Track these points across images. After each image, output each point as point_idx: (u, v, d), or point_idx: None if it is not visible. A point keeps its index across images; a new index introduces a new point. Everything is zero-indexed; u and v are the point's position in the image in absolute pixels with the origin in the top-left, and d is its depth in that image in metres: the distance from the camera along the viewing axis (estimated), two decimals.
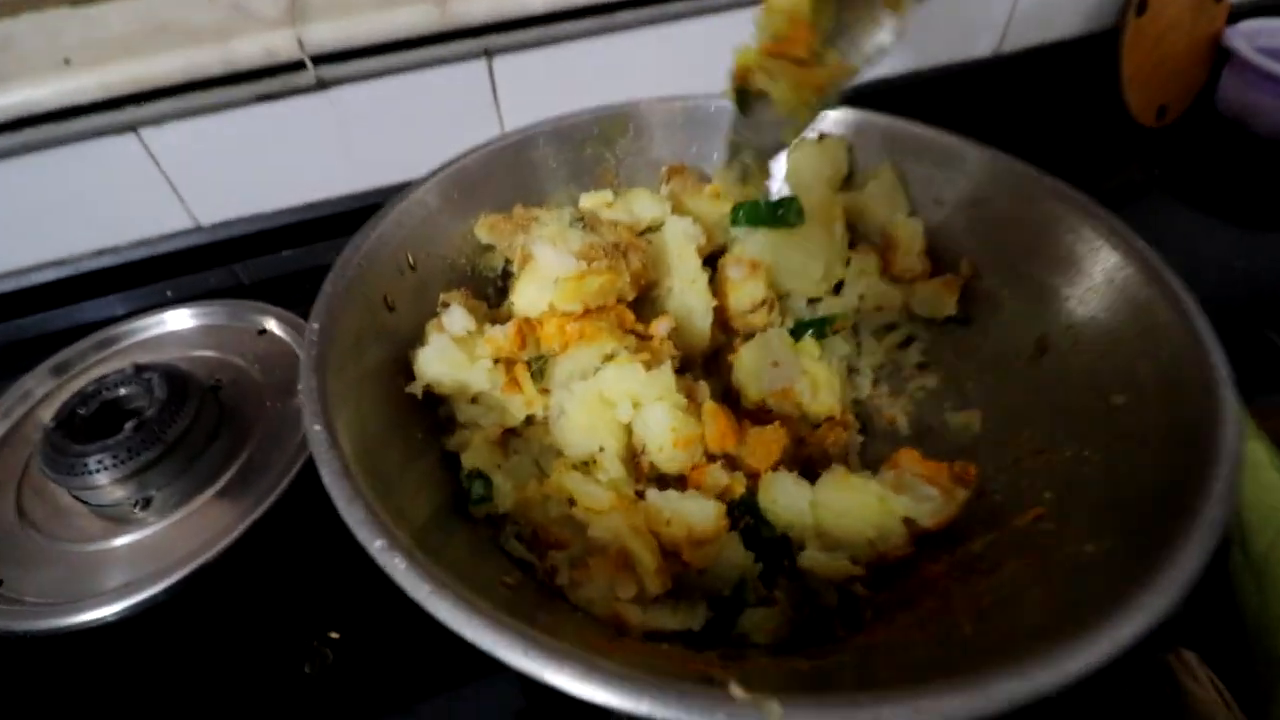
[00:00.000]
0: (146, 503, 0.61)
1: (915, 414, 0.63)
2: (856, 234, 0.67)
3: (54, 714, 0.56)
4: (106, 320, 0.79)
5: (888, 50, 0.44)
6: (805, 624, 0.48)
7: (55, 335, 0.81)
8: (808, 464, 0.57)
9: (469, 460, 0.50)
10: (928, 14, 0.97)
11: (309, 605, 0.59)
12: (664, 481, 0.52)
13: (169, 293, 0.92)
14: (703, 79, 0.76)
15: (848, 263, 0.66)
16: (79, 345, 0.77)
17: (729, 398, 0.61)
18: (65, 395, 0.66)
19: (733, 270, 0.62)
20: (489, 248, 0.63)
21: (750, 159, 0.52)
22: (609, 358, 0.52)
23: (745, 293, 0.62)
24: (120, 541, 0.60)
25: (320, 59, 0.83)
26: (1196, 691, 0.48)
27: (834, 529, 0.49)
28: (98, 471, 0.59)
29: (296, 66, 0.83)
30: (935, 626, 0.42)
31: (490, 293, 0.64)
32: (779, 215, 0.63)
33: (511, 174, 0.65)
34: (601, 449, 0.50)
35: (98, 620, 0.54)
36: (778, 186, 0.69)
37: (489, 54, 0.91)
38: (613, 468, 0.50)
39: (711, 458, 0.53)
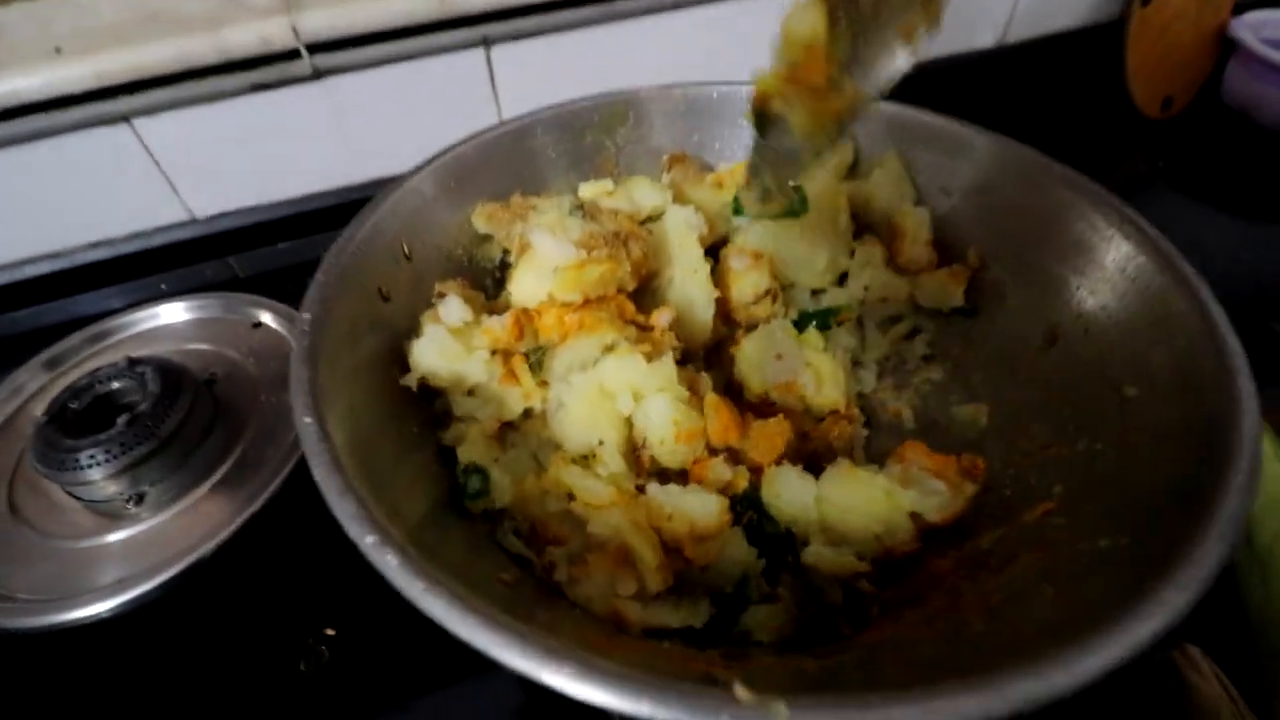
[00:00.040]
0: (140, 498, 0.61)
1: (921, 407, 0.62)
2: (861, 223, 0.66)
3: (47, 713, 0.55)
4: (100, 314, 0.78)
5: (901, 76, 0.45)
6: (810, 622, 0.47)
7: (48, 329, 0.80)
8: (812, 458, 0.56)
9: (465, 454, 0.49)
10: None
11: (305, 602, 0.58)
12: (665, 476, 0.51)
13: (163, 286, 0.91)
14: (704, 68, 0.75)
15: (852, 253, 0.65)
16: (72, 339, 0.76)
17: (731, 391, 0.60)
18: (58, 389, 0.65)
19: (735, 260, 0.61)
20: (487, 237, 0.62)
21: (770, 180, 0.53)
22: (609, 349, 0.51)
23: (748, 283, 0.60)
24: (114, 537, 0.59)
25: (316, 47, 0.82)
26: (1201, 686, 0.48)
27: (839, 524, 0.48)
28: (90, 467, 0.58)
29: (291, 55, 0.82)
30: (944, 624, 0.41)
31: (488, 283, 0.63)
32: None
33: (510, 162, 0.64)
34: (601, 442, 0.49)
35: (91, 617, 0.54)
36: None
37: (487, 43, 0.89)
38: (613, 462, 0.49)
39: (714, 451, 0.52)
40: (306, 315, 0.43)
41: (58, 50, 0.77)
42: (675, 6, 0.93)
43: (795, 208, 0.59)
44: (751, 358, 0.58)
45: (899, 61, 0.44)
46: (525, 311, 0.52)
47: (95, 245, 0.89)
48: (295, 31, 0.80)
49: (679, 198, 0.65)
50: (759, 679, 0.36)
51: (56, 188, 0.83)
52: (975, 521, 0.48)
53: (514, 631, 0.30)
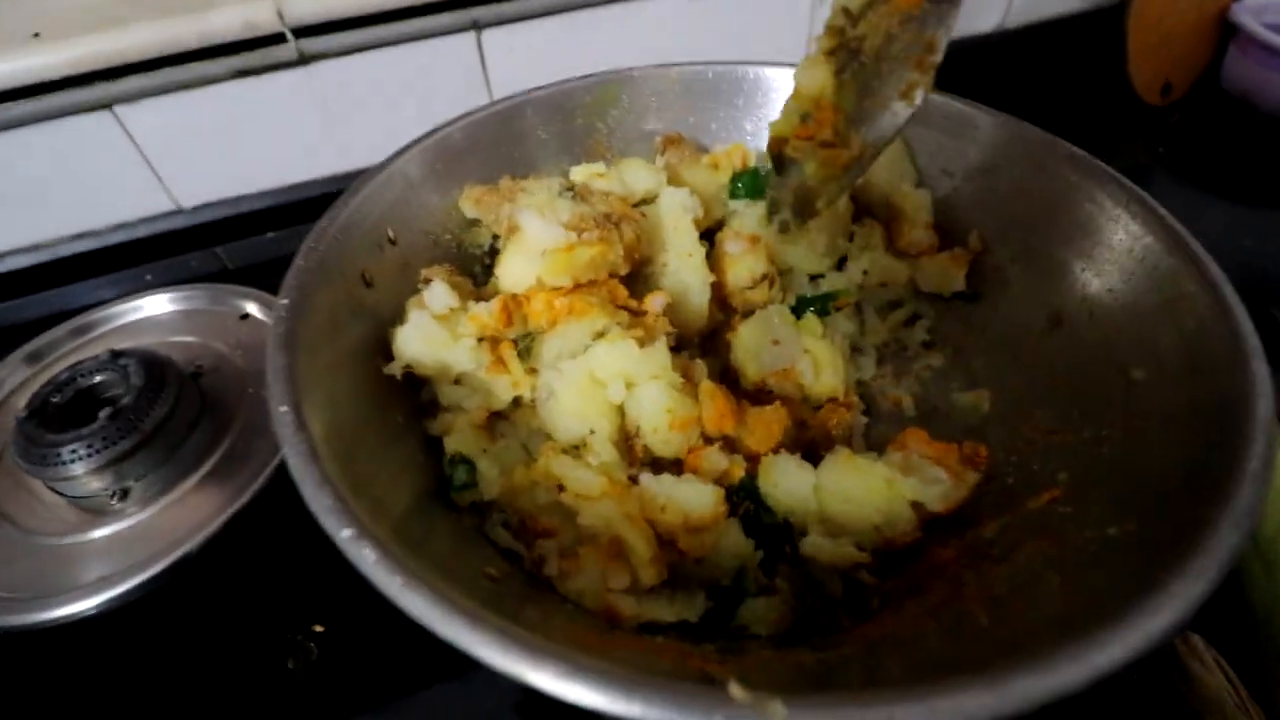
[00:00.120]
0: (124, 493, 0.60)
1: (921, 394, 0.61)
2: (861, 206, 0.65)
3: (30, 712, 0.54)
4: (83, 307, 0.77)
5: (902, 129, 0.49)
6: (809, 614, 0.46)
7: (30, 323, 0.78)
8: (810, 447, 0.55)
9: (452, 445, 0.48)
10: None
11: (293, 598, 0.57)
12: (659, 466, 0.50)
13: (149, 277, 0.89)
14: (699, 48, 0.73)
15: (851, 237, 0.64)
16: (53, 332, 0.75)
17: (727, 378, 0.59)
18: (39, 384, 0.64)
19: (731, 244, 0.60)
20: (475, 222, 0.60)
21: (788, 215, 0.57)
22: (600, 335, 0.49)
23: (744, 268, 0.59)
24: (98, 533, 0.58)
25: (301, 31, 0.80)
26: (1204, 676, 0.48)
27: (838, 514, 0.47)
28: (72, 462, 0.57)
29: (276, 39, 0.80)
30: (947, 616, 0.40)
31: (477, 270, 0.61)
32: None
33: (498, 145, 0.63)
34: (592, 432, 0.48)
35: (75, 615, 0.53)
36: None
37: (478, 26, 0.88)
38: (604, 451, 0.47)
39: (709, 440, 0.51)
40: (284, 301, 0.42)
41: (36, 35, 0.75)
42: None
43: None
44: (748, 344, 0.57)
45: (900, 116, 0.49)
46: (514, 297, 0.50)
47: (78, 236, 0.87)
48: (280, 15, 0.78)
49: (673, 180, 0.64)
50: (756, 675, 0.36)
51: (37, 177, 0.82)
52: (978, 510, 0.47)
53: (497, 629, 0.28)
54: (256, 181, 0.92)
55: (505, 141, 0.63)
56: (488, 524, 0.47)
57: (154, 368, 0.62)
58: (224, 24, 0.78)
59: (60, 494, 0.60)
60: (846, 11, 0.48)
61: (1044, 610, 0.36)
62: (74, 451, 0.57)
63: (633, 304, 0.53)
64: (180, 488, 0.61)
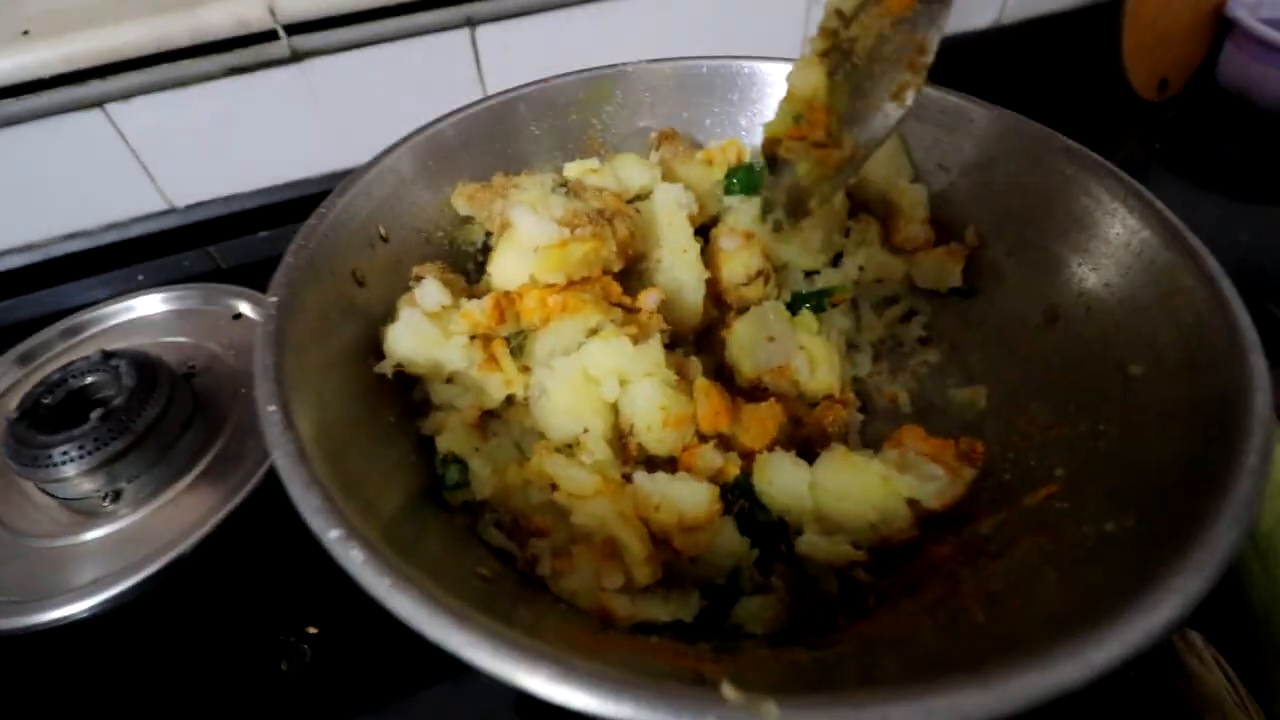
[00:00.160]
0: (117, 495, 0.60)
1: (917, 391, 0.61)
2: (857, 201, 0.65)
3: (23, 716, 0.54)
4: (75, 307, 0.76)
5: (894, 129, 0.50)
6: (804, 612, 0.46)
7: (21, 324, 0.78)
8: (805, 445, 0.54)
9: (444, 444, 0.48)
10: None
11: (286, 599, 0.57)
12: (653, 464, 0.50)
13: (141, 277, 0.89)
14: (694, 45, 0.73)
15: (847, 232, 0.64)
16: (44, 333, 0.74)
17: (722, 375, 0.58)
18: (31, 385, 0.63)
19: (726, 241, 0.59)
20: (468, 219, 0.60)
21: (782, 215, 0.57)
22: (593, 332, 0.49)
23: (739, 264, 0.59)
24: (90, 536, 0.58)
25: (294, 28, 0.80)
26: (1202, 673, 0.48)
27: (834, 512, 0.47)
28: (64, 463, 0.57)
29: (269, 36, 0.79)
30: (943, 613, 0.39)
31: (470, 267, 0.61)
32: None
33: (491, 141, 0.62)
34: (586, 430, 0.48)
35: (67, 618, 0.53)
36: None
37: (472, 23, 0.87)
38: (598, 450, 0.47)
39: (703, 438, 0.50)
40: (273, 299, 0.41)
41: (25, 32, 0.74)
42: None
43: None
44: (743, 341, 0.56)
45: (891, 117, 0.49)
46: (506, 294, 0.50)
47: (70, 237, 0.87)
48: (272, 12, 0.78)
49: (668, 176, 0.63)
50: (750, 675, 0.35)
51: (28, 177, 0.81)
52: (974, 506, 0.47)
53: (486, 631, 0.28)
54: (249, 180, 0.91)
55: (498, 138, 0.63)
56: (480, 524, 0.47)
57: (146, 368, 0.62)
58: (216, 21, 0.77)
59: (52, 496, 0.60)
60: (839, 13, 0.48)
61: (1041, 607, 0.36)
62: (65, 453, 0.57)
63: (626, 301, 0.52)
64: (173, 489, 0.60)
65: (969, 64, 1.07)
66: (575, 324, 0.49)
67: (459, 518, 0.47)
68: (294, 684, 0.53)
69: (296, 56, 0.83)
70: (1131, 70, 1.05)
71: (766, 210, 0.59)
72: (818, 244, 0.61)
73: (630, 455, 0.49)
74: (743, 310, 0.59)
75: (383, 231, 0.53)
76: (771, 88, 0.67)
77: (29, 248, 0.86)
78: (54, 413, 0.60)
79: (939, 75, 0.58)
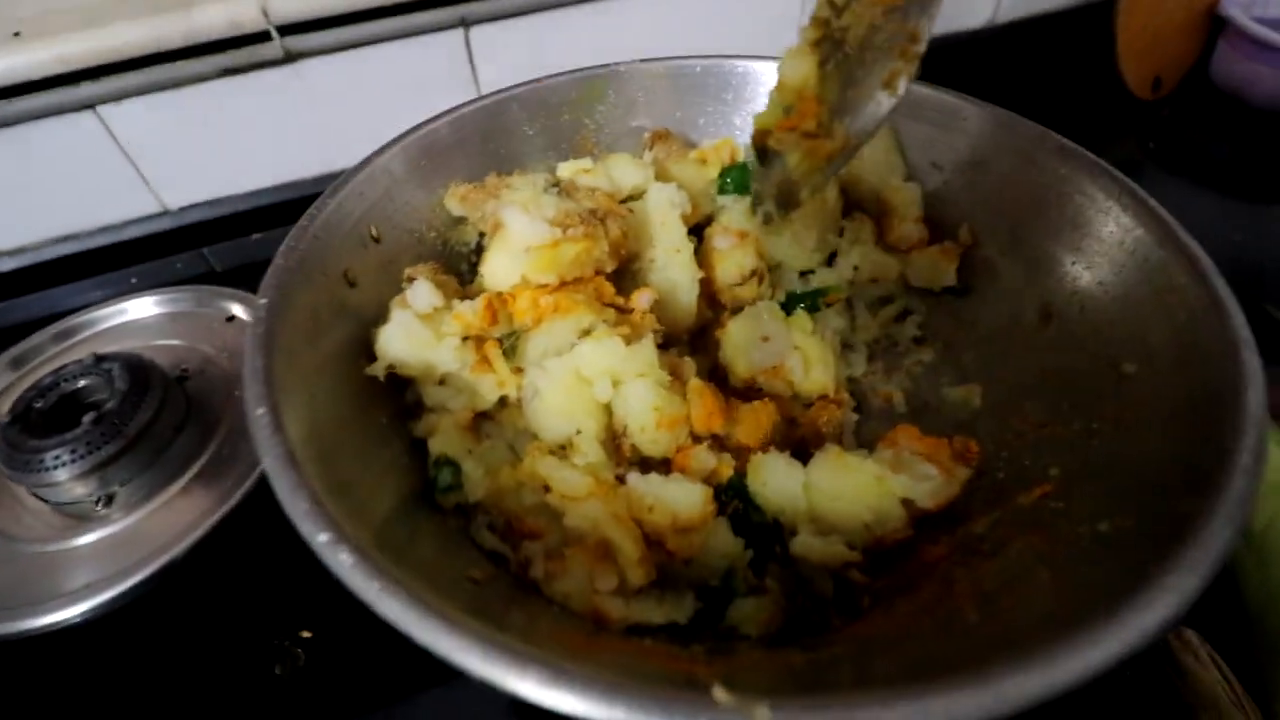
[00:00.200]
0: (109, 499, 0.59)
1: (912, 390, 0.61)
2: (851, 200, 0.64)
3: None
4: (68, 310, 0.76)
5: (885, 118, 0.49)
6: (799, 614, 0.46)
7: (13, 327, 0.78)
8: (800, 445, 0.54)
9: (437, 446, 0.47)
10: None
11: (280, 603, 0.56)
12: (646, 465, 0.49)
13: (134, 280, 0.88)
14: (689, 45, 0.72)
15: (841, 231, 0.63)
16: (36, 337, 0.74)
17: (717, 376, 0.58)
18: (22, 389, 0.63)
19: (720, 240, 0.59)
20: (461, 220, 0.60)
21: (772, 207, 0.56)
22: (586, 332, 0.49)
23: (733, 264, 0.59)
24: (82, 540, 0.58)
25: (287, 29, 0.80)
26: (1198, 671, 0.48)
27: (828, 512, 0.47)
28: (56, 467, 0.57)
29: (262, 37, 0.79)
30: (938, 614, 0.39)
31: (464, 269, 0.61)
32: None
33: (484, 141, 0.62)
34: (579, 431, 0.47)
35: (59, 623, 0.53)
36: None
37: (466, 24, 0.87)
38: (591, 451, 0.47)
39: (697, 439, 0.50)
40: (263, 301, 0.41)
41: (17, 34, 0.74)
42: None
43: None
44: (737, 341, 0.56)
45: (883, 106, 0.48)
46: (498, 295, 0.50)
47: (62, 239, 0.86)
48: (265, 12, 0.78)
49: (661, 175, 0.63)
50: (743, 677, 0.35)
51: (19, 179, 0.81)
52: (969, 506, 0.47)
53: (477, 635, 0.28)
54: (243, 182, 0.91)
55: (491, 138, 0.63)
56: (473, 526, 0.46)
57: (138, 371, 0.62)
58: (208, 22, 0.77)
59: (44, 500, 0.60)
60: (831, 3, 0.47)
61: (1035, 607, 0.36)
62: (57, 457, 0.56)
63: (619, 301, 0.52)
64: (166, 493, 0.60)
65: (964, 63, 1.07)
66: (568, 324, 0.48)
67: (452, 520, 0.46)
68: (288, 688, 0.52)
69: (290, 57, 0.82)
70: (1125, 69, 1.05)
71: (756, 203, 0.58)
72: (812, 243, 0.61)
73: (624, 456, 0.49)
74: (737, 310, 0.59)
75: (374, 232, 0.53)
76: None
77: (21, 251, 0.85)
78: (46, 417, 0.60)
79: (934, 74, 0.58)
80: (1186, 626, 0.50)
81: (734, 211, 0.62)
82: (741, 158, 0.65)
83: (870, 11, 0.46)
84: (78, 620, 0.52)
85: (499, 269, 0.51)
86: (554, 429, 0.48)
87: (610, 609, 0.41)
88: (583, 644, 0.38)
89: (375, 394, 0.48)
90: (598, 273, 0.52)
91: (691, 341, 0.60)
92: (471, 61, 0.91)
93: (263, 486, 0.57)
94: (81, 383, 0.62)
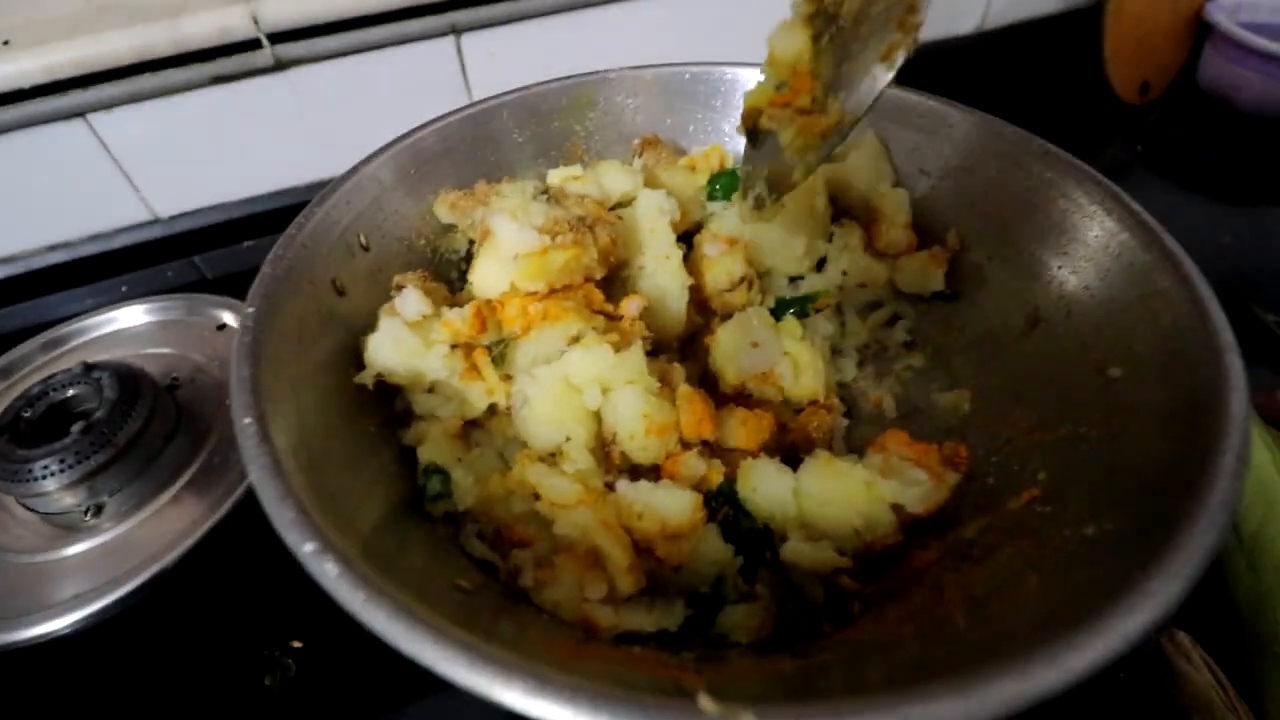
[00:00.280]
0: (98, 509, 0.59)
1: (902, 395, 0.61)
2: (839, 207, 0.65)
3: None
4: (58, 319, 0.75)
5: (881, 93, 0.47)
6: (789, 620, 0.45)
7: (3, 337, 0.78)
8: (790, 451, 0.54)
9: (426, 454, 0.47)
10: None
11: (270, 613, 0.56)
12: (636, 472, 0.49)
13: (124, 288, 0.88)
14: (681, 52, 0.73)
15: (830, 237, 0.63)
16: (25, 346, 0.74)
17: (707, 382, 0.58)
18: (11, 398, 0.63)
19: (709, 247, 0.59)
20: (450, 227, 0.60)
21: (763, 190, 0.54)
22: (575, 340, 0.49)
23: (723, 270, 0.59)
24: (72, 550, 0.58)
25: (277, 37, 0.80)
26: (1191, 674, 0.48)
27: (818, 518, 0.47)
28: (45, 477, 0.57)
29: (252, 45, 0.79)
30: (927, 620, 0.39)
31: (453, 276, 0.61)
32: None
33: (473, 149, 0.62)
34: (568, 439, 0.47)
35: (48, 634, 0.52)
36: None
37: (456, 31, 0.87)
38: (580, 458, 0.47)
39: (687, 445, 0.50)
40: (250, 310, 0.41)
41: (6, 42, 0.74)
42: None
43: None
44: (727, 347, 0.56)
45: (880, 80, 0.46)
46: (487, 302, 0.50)
47: (52, 248, 0.86)
48: (255, 20, 0.78)
49: (650, 182, 0.63)
50: (733, 684, 0.35)
51: (9, 188, 0.81)
52: (958, 512, 0.47)
53: (462, 645, 0.28)
54: (234, 190, 0.91)
55: (480, 145, 0.63)
56: (462, 534, 0.46)
57: (128, 380, 0.61)
58: (198, 30, 0.77)
59: (32, 510, 0.59)
60: None
61: (1023, 612, 0.36)
62: (46, 467, 0.56)
63: (609, 308, 0.52)
64: (156, 502, 0.60)
65: (953, 69, 1.08)
66: (557, 332, 0.48)
67: (441, 529, 0.46)
68: (278, 699, 0.52)
69: (281, 65, 0.83)
70: (1113, 74, 1.06)
71: (747, 185, 0.55)
72: (801, 249, 0.61)
73: (613, 464, 0.49)
74: (727, 316, 0.59)
75: (363, 240, 0.53)
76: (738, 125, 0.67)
77: (10, 259, 0.85)
78: (35, 426, 0.60)
79: (923, 80, 0.59)
80: (1179, 629, 0.50)
81: (723, 218, 0.62)
82: (731, 164, 0.65)
83: None
84: (67, 631, 0.52)
85: (488, 276, 0.51)
86: (543, 436, 0.48)
87: (600, 617, 0.41)
88: (572, 652, 0.38)
89: (364, 402, 0.48)
90: (587, 280, 0.52)
91: (681, 348, 0.60)
92: (463, 69, 0.91)
93: (253, 496, 0.57)
94: (71, 392, 0.62)
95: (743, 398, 0.56)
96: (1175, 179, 0.99)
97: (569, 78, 0.66)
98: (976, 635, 0.36)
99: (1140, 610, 0.30)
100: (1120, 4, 1.02)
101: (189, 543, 0.56)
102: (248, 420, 0.35)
